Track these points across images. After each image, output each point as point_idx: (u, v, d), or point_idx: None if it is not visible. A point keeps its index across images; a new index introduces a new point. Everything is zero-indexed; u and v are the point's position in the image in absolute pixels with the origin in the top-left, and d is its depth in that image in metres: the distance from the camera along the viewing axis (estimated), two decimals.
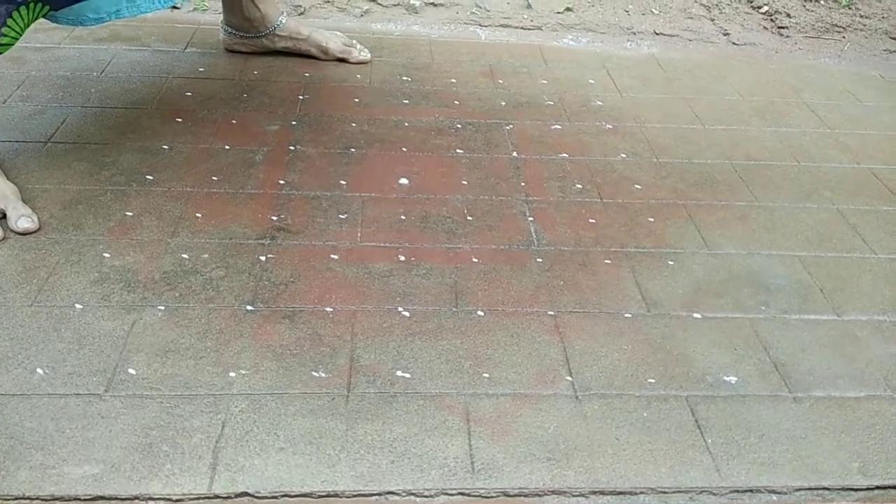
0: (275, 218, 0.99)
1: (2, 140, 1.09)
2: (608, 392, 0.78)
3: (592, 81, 1.41)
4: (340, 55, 1.38)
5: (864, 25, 1.69)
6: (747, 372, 0.81)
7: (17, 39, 0.94)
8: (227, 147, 1.13)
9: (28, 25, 0.95)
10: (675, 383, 0.79)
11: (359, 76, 1.34)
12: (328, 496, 0.66)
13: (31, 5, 0.92)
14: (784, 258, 0.99)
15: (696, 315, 0.88)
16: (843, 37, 1.66)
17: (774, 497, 0.69)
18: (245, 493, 0.66)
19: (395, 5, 1.64)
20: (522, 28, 1.61)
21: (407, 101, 1.29)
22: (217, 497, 0.65)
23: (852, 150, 1.25)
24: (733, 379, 0.80)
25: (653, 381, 0.79)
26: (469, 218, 1.02)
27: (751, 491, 0.69)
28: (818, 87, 1.45)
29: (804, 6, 1.74)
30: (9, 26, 0.92)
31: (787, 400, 0.79)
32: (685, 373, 0.81)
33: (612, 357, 0.82)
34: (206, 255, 0.91)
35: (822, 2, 1.76)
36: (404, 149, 1.16)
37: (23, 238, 0.91)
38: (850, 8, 1.74)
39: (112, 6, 1.05)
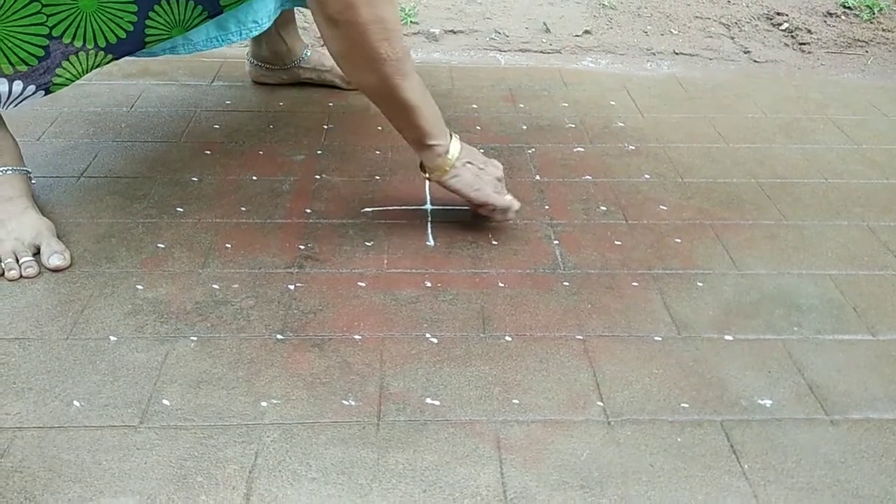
0: (302, 247, 1.00)
1: (37, 176, 1.12)
2: (641, 417, 0.77)
3: (613, 103, 1.41)
4: None
5: (888, 39, 1.68)
6: (782, 395, 0.80)
7: (71, 82, 0.97)
8: (254, 178, 1.14)
9: (87, 71, 0.97)
10: (708, 407, 0.78)
11: None
12: None
13: (92, 53, 0.95)
14: (815, 277, 0.97)
15: (727, 337, 0.87)
16: (867, 51, 1.65)
17: None
18: None
19: (415, 33, 1.66)
20: (541, 52, 1.62)
21: None
22: None
23: (880, 166, 1.23)
24: (768, 402, 0.79)
25: (686, 405, 0.78)
26: (494, 242, 1.02)
27: None
28: (843, 103, 1.44)
29: (825, 22, 1.73)
30: (63, 68, 0.94)
31: (823, 423, 0.77)
32: (719, 396, 0.80)
33: (644, 381, 0.81)
34: (236, 285, 0.93)
35: (843, 17, 1.75)
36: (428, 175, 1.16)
37: (57, 272, 0.94)
38: (871, 22, 1.73)
39: (167, 43, 1.08)
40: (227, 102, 1.36)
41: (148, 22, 0.96)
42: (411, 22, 1.69)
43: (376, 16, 0.85)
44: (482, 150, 1.23)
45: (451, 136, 0.99)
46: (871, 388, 0.81)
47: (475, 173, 1.00)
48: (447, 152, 0.98)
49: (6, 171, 1.00)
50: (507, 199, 1.01)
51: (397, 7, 0.89)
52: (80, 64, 0.96)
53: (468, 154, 1.00)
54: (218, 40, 1.12)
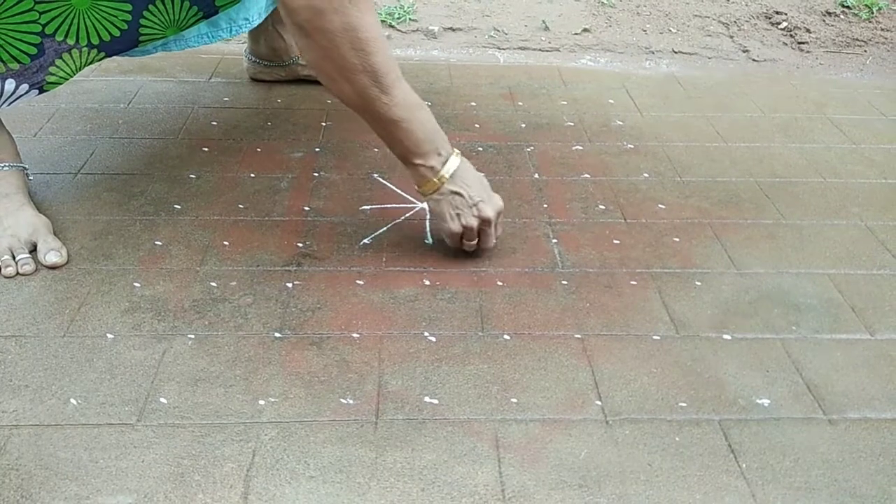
0: (300, 244, 1.00)
1: (33, 172, 1.11)
2: (639, 417, 0.77)
3: (612, 101, 1.41)
4: None
5: (886, 39, 1.68)
6: (780, 394, 0.80)
7: (65, 80, 0.96)
8: (252, 175, 1.14)
9: (80, 69, 0.97)
10: (706, 407, 0.78)
11: None
12: None
13: (85, 51, 0.95)
14: (814, 277, 0.97)
15: (725, 336, 0.87)
16: (865, 51, 1.65)
17: None
18: None
19: (413, 31, 1.66)
20: (540, 50, 1.62)
21: None
22: None
23: (879, 165, 1.23)
24: (766, 401, 0.79)
25: (684, 404, 0.78)
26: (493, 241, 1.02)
27: None
28: (841, 102, 1.44)
29: (824, 21, 1.73)
30: (57, 66, 0.94)
31: (821, 422, 0.77)
32: (717, 396, 0.80)
33: (642, 380, 0.81)
34: (234, 283, 0.92)
35: (842, 16, 1.75)
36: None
37: (54, 269, 0.93)
38: (870, 21, 1.73)
39: (160, 41, 1.07)
40: (225, 99, 1.36)
41: (142, 21, 0.96)
42: (410, 19, 1.68)
43: (347, 24, 0.81)
44: (480, 149, 1.23)
45: (447, 159, 0.91)
46: (868, 387, 0.81)
47: (453, 208, 0.93)
48: (436, 175, 0.91)
49: (3, 167, 1.00)
50: (471, 245, 0.95)
51: (376, 17, 0.84)
52: (73, 62, 0.95)
53: (461, 184, 0.92)
54: (209, 37, 1.12)
